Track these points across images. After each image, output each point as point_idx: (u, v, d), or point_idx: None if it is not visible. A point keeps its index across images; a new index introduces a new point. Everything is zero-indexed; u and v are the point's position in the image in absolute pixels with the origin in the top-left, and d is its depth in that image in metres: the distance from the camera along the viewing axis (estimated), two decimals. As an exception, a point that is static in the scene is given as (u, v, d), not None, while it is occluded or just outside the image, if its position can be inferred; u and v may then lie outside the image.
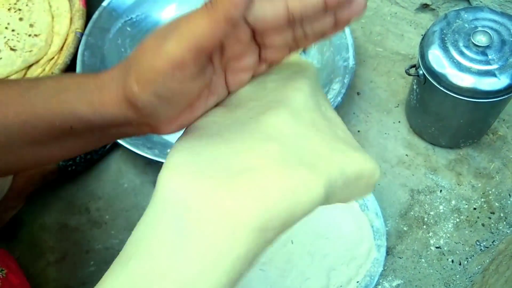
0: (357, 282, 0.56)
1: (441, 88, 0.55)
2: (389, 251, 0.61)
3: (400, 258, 0.60)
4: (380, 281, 0.59)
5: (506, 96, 0.53)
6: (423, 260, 0.59)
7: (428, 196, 0.64)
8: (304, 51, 0.75)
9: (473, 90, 0.53)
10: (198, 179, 0.21)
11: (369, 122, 0.70)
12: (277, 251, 0.59)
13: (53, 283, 0.63)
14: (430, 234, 0.61)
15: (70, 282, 0.63)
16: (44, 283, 0.63)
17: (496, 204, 0.62)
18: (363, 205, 0.60)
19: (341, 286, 0.56)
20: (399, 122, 0.70)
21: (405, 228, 0.62)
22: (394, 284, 0.59)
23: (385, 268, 0.59)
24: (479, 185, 0.64)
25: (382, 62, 0.75)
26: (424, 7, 0.77)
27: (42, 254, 0.64)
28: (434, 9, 0.76)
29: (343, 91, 0.64)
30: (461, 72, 0.53)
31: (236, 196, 0.21)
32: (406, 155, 0.67)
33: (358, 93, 0.73)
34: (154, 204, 0.21)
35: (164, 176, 0.21)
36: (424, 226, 0.62)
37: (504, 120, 0.68)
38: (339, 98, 0.63)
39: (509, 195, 0.62)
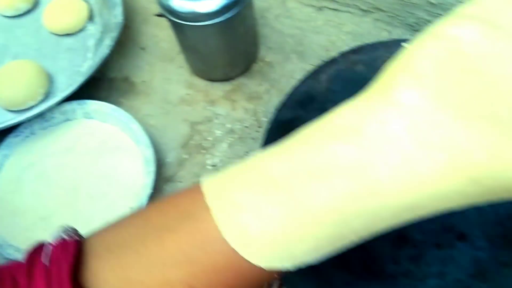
0: (130, 207, 0.60)
1: (176, 20, 0.61)
2: (170, 179, 0.65)
3: (180, 182, 0.65)
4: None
5: (227, 16, 0.60)
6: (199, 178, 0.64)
7: (206, 125, 0.69)
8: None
9: (194, 13, 0.59)
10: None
11: (153, 72, 0.75)
12: (60, 200, 0.62)
13: None
14: (207, 156, 0.66)
15: None
16: None
17: (264, 119, 0.68)
18: (136, 140, 0.64)
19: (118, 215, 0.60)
20: (181, 67, 0.75)
21: (185, 156, 0.67)
22: (175, 206, 0.63)
23: (166, 193, 0.64)
24: (251, 106, 0.70)
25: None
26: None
27: None
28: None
29: (112, 43, 0.68)
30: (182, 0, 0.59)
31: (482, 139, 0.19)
32: (187, 94, 0.72)
33: (142, 48, 0.77)
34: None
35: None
36: (203, 151, 0.67)
37: (270, 48, 0.75)
38: (107, 50, 0.67)
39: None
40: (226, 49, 0.66)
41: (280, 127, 0.47)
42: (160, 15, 0.64)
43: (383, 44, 0.50)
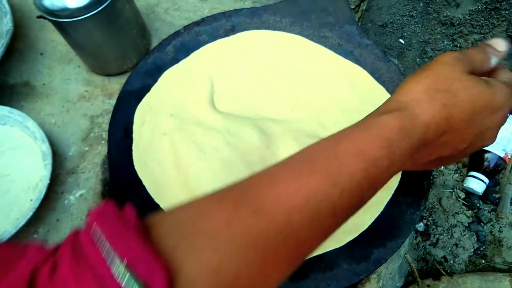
0: (31, 200, 0.63)
1: (55, 19, 0.65)
2: (73, 171, 0.68)
3: (83, 173, 0.68)
4: (66, 195, 0.66)
5: (99, 9, 0.64)
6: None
7: (105, 117, 0.73)
8: None
9: (67, 9, 0.62)
10: None
11: (53, 74, 0.78)
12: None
13: None
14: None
15: None
16: None
17: (158, 104, 0.72)
18: (33, 137, 0.67)
19: (20, 210, 0.63)
20: (79, 66, 0.78)
21: (86, 148, 0.70)
22: (78, 194, 0.67)
23: (69, 184, 0.67)
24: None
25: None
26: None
27: None
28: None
29: (3, 49, 0.71)
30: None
31: None
32: (86, 90, 0.76)
33: (41, 54, 0.80)
34: None
35: None
36: (102, 142, 0.71)
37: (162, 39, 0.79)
38: (-1, 56, 0.70)
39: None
40: (112, 42, 0.70)
41: (131, 95, 0.51)
42: (41, 17, 0.67)
43: (224, 14, 0.56)
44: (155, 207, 0.47)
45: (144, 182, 0.48)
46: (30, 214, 0.61)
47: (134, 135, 0.52)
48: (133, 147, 0.52)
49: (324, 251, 0.44)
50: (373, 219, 0.47)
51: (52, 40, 0.82)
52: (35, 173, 0.66)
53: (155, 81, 0.52)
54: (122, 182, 0.48)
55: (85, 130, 0.73)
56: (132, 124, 0.51)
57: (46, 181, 0.63)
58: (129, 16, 0.70)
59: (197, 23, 0.55)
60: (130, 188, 0.48)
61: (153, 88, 0.52)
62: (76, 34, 0.68)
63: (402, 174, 0.49)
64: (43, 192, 0.63)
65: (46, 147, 0.66)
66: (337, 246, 0.45)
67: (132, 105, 0.51)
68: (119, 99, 0.51)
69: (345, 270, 0.43)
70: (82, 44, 0.71)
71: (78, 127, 0.73)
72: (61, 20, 0.64)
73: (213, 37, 0.54)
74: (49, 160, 0.65)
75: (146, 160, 0.51)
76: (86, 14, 0.64)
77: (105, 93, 0.76)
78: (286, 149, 0.49)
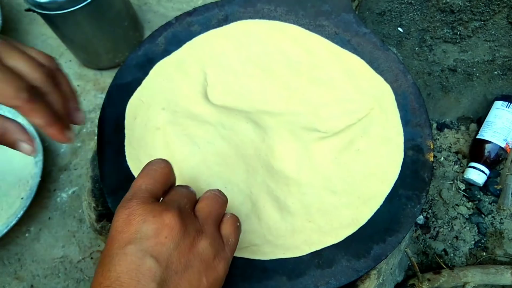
0: (22, 198, 0.61)
1: (44, 12, 0.63)
2: (65, 167, 0.67)
3: (75, 169, 0.67)
4: (58, 193, 0.65)
5: (82, 4, 0.62)
6: (90, 163, 0.66)
7: (98, 113, 0.71)
8: None
9: (55, 2, 0.61)
10: None
11: (43, 68, 0.76)
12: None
13: None
14: (99, 141, 0.68)
15: None
16: None
17: (151, 98, 0.71)
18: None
19: (11, 208, 0.61)
20: (70, 61, 0.77)
21: (79, 144, 0.69)
22: (71, 191, 0.65)
23: (62, 181, 0.65)
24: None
25: (56, 17, 0.82)
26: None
27: None
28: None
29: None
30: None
31: None
32: (78, 85, 0.74)
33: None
34: None
35: None
36: (95, 137, 0.69)
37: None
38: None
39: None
40: (102, 35, 0.68)
41: (121, 89, 0.50)
42: (29, 10, 0.65)
43: (217, 4, 0.54)
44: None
45: (137, 178, 0.47)
46: (21, 212, 0.60)
47: (126, 131, 0.50)
48: (126, 143, 0.50)
49: (322, 247, 0.43)
50: (372, 213, 0.45)
51: (42, 34, 0.80)
52: (25, 170, 0.64)
53: (146, 74, 0.50)
54: (113, 179, 0.47)
55: (77, 126, 0.71)
56: (123, 119, 0.49)
57: (37, 179, 0.62)
58: (120, 7, 0.68)
59: (189, 13, 0.53)
60: (121, 185, 0.46)
61: (144, 81, 0.51)
62: (65, 27, 0.66)
63: (402, 167, 0.48)
64: (34, 190, 0.61)
65: (36, 144, 0.64)
66: (336, 242, 0.43)
67: (123, 100, 0.49)
68: (109, 94, 0.49)
69: (344, 267, 0.42)
70: (72, 38, 0.69)
71: (70, 123, 0.71)
72: (49, 13, 0.63)
73: (206, 28, 0.52)
74: (40, 157, 0.63)
75: (139, 155, 0.49)
76: (75, 6, 0.62)
77: (97, 87, 0.74)
78: (281, 142, 0.48)
